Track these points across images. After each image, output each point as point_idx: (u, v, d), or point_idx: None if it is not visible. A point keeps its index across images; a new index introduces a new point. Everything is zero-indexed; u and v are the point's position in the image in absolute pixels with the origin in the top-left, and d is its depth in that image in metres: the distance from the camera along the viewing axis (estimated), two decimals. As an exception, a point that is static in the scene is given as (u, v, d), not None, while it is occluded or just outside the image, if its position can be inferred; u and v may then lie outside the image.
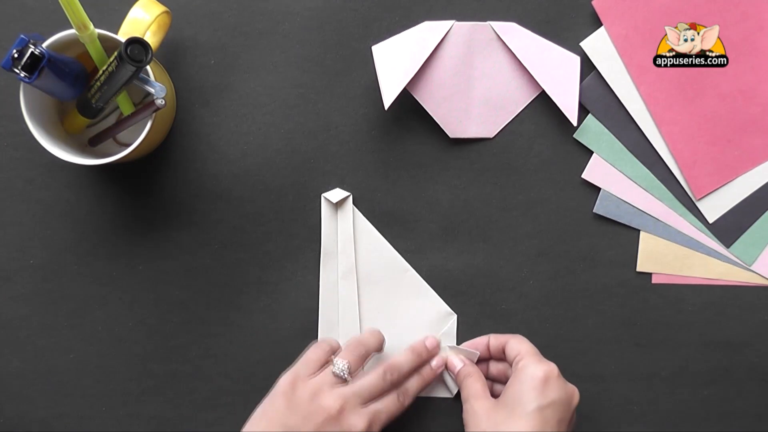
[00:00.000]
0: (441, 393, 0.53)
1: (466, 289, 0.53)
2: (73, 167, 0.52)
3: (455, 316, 0.53)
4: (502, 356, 0.51)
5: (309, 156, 0.52)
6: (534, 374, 0.46)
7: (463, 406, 0.49)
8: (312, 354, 0.49)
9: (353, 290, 0.53)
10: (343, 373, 0.48)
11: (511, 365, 0.49)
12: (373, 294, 0.53)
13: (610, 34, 0.50)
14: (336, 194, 0.52)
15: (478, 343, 0.52)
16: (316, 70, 0.52)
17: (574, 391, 0.47)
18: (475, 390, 0.49)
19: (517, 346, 0.49)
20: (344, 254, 0.52)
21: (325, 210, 0.52)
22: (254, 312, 0.53)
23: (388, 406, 0.48)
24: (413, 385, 0.50)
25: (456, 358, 0.52)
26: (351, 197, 0.52)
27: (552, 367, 0.46)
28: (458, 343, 0.53)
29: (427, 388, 0.53)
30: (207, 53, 0.51)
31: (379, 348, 0.51)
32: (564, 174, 0.52)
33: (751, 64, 0.50)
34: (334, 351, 0.50)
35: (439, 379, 0.53)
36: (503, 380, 0.51)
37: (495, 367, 0.52)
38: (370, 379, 0.48)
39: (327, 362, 0.49)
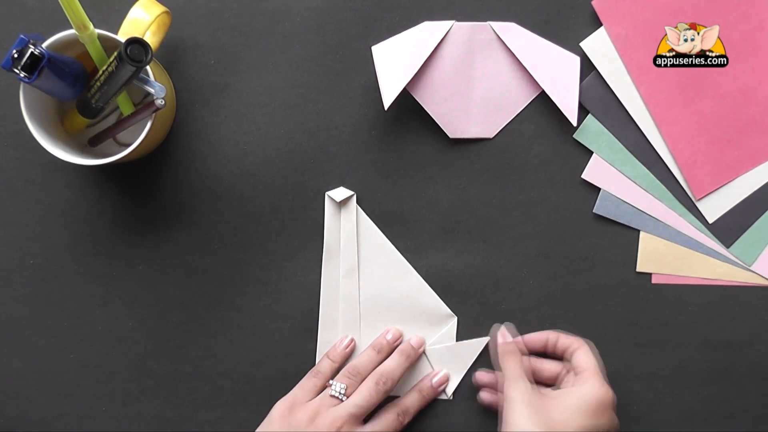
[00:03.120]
0: (439, 396, 0.53)
1: (466, 289, 0.53)
2: (73, 167, 0.52)
3: (455, 318, 0.53)
4: (560, 355, 0.50)
5: (309, 156, 0.52)
6: (595, 395, 0.45)
7: (507, 384, 0.47)
8: (308, 381, 0.50)
9: (354, 289, 0.53)
10: (341, 395, 0.49)
11: (573, 371, 0.48)
12: (375, 293, 0.53)
13: (610, 34, 0.50)
14: (340, 193, 0.52)
15: (537, 339, 0.51)
16: (316, 70, 0.52)
17: (618, 426, 0.46)
18: (518, 369, 0.48)
19: (586, 360, 0.48)
20: (347, 253, 0.52)
21: (328, 208, 0.52)
22: (254, 312, 0.53)
23: (387, 426, 0.49)
24: (413, 404, 0.51)
25: (501, 333, 0.50)
26: (355, 196, 0.52)
27: (612, 395, 0.46)
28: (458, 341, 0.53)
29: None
30: (207, 53, 0.51)
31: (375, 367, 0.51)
32: (564, 174, 0.52)
33: (751, 64, 0.50)
34: (330, 378, 0.51)
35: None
36: (551, 383, 0.50)
37: (549, 368, 0.50)
38: (363, 392, 0.49)
39: (324, 387, 0.50)
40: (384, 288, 0.53)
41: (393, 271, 0.53)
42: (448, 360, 0.53)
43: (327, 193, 0.52)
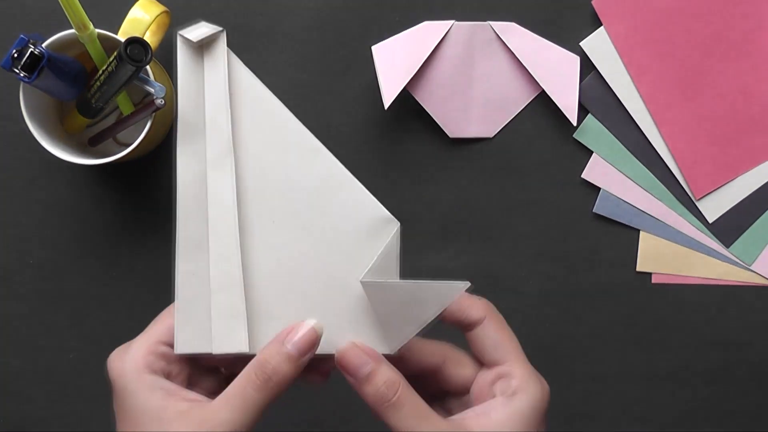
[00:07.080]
0: (381, 349, 0.36)
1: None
2: (73, 167, 0.52)
3: (398, 224, 0.38)
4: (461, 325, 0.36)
5: (309, 156, 0.52)
6: (538, 407, 0.33)
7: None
8: None
9: (230, 187, 0.34)
10: None
11: (485, 364, 0.35)
12: (265, 190, 0.34)
13: (610, 34, 0.50)
14: (199, 30, 0.34)
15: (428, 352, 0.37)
16: (316, 70, 0.52)
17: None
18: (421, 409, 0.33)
19: (503, 347, 0.34)
20: (214, 129, 0.34)
21: (182, 57, 0.34)
22: (254, 312, 0.53)
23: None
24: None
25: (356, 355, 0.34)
26: (225, 35, 0.34)
27: (548, 388, 0.34)
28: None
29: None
30: (207, 53, 0.51)
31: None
32: (564, 174, 0.52)
33: (751, 64, 0.50)
34: None
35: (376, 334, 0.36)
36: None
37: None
38: None
39: None
40: (280, 180, 0.34)
41: (294, 153, 0.34)
42: (396, 306, 0.34)
43: (179, 31, 0.35)
